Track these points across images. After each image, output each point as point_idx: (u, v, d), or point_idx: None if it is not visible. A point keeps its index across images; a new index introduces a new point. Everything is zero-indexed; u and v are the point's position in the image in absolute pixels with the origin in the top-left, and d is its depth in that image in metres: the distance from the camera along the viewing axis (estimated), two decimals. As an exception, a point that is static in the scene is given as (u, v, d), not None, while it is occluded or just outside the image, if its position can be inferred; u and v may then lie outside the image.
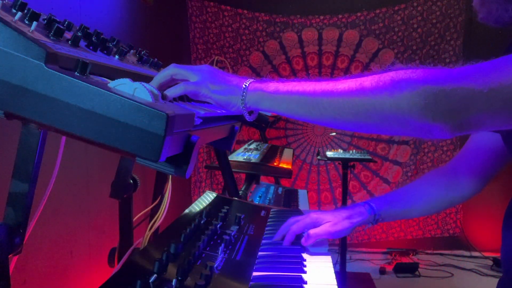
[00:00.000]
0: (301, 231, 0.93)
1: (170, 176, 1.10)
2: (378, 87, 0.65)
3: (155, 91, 0.59)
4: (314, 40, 4.08)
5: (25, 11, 0.55)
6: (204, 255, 0.78)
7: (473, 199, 1.05)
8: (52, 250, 1.63)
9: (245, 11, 4.06)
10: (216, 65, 3.65)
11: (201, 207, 1.08)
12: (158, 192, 1.18)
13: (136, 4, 2.79)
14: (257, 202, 1.53)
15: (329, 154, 3.00)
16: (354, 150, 3.08)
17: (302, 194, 1.84)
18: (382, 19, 3.99)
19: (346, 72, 4.07)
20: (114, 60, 0.75)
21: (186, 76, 0.78)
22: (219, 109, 0.84)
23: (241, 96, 0.76)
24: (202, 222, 0.94)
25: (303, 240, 0.90)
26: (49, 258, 1.62)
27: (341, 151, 3.13)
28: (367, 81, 0.66)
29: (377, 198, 1.01)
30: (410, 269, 3.55)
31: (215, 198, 1.18)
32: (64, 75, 0.49)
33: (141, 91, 0.57)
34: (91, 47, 0.70)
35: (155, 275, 0.64)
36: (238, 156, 2.01)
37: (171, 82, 0.79)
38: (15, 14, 0.54)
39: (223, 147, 1.04)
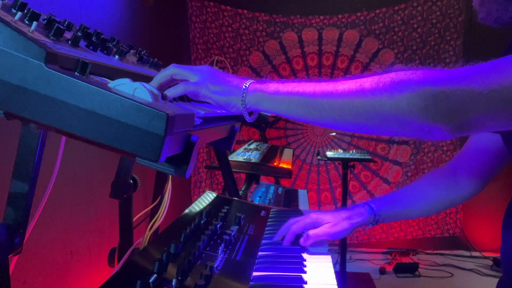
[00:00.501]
0: (301, 231, 0.93)
1: (170, 176, 1.10)
2: (378, 88, 0.65)
3: (155, 91, 0.59)
4: (314, 40, 4.08)
5: (25, 11, 0.55)
6: (204, 255, 0.78)
7: (473, 199, 1.05)
8: (52, 250, 1.63)
9: (245, 11, 4.06)
10: (216, 65, 3.65)
11: (201, 207, 1.08)
12: (158, 192, 1.18)
13: (136, 4, 2.79)
14: (257, 202, 1.53)
15: (329, 154, 3.00)
16: (354, 150, 3.08)
17: (302, 194, 1.84)
18: (382, 19, 3.99)
19: (346, 72, 4.07)
20: (114, 60, 0.76)
21: (186, 76, 0.78)
22: (219, 109, 0.84)
23: (241, 97, 0.76)
24: (202, 222, 0.94)
25: (302, 240, 0.90)
26: (49, 258, 1.62)
27: (341, 151, 3.13)
28: (367, 82, 0.66)
29: (377, 198, 1.01)
30: (410, 269, 3.55)
31: (215, 198, 1.18)
32: (64, 75, 0.49)
33: (141, 91, 0.57)
34: (91, 47, 0.70)
35: (155, 275, 0.64)
36: (238, 156, 2.01)
37: (171, 82, 0.79)
38: (15, 14, 0.54)
39: (223, 147, 1.04)
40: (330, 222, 0.92)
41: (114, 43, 0.83)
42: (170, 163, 0.57)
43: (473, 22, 3.79)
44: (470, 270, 3.66)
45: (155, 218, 1.10)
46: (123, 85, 0.56)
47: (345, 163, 2.91)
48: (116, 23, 2.41)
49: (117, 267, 0.99)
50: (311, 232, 0.90)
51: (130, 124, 0.49)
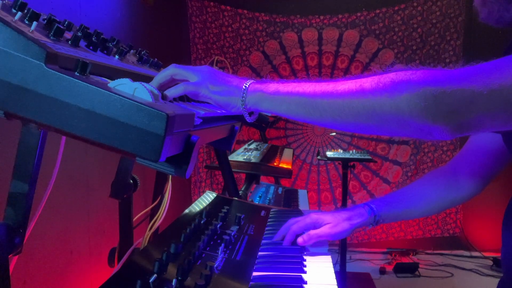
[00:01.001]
0: (301, 231, 0.93)
1: (170, 176, 1.10)
2: (378, 88, 0.65)
3: (155, 91, 0.59)
4: (314, 40, 4.08)
5: (25, 11, 0.55)
6: (204, 255, 0.78)
7: (473, 199, 1.05)
8: (52, 250, 1.63)
9: (245, 11, 4.06)
10: (216, 65, 3.65)
11: (201, 207, 1.08)
12: (158, 192, 1.18)
13: (136, 4, 2.79)
14: (257, 202, 1.53)
15: (329, 154, 3.00)
16: (354, 150, 3.08)
17: (302, 194, 1.84)
18: (382, 19, 3.99)
19: (346, 72, 4.07)
20: (114, 60, 0.75)
21: (186, 77, 0.78)
22: (219, 109, 0.84)
23: (241, 97, 0.76)
24: (202, 222, 0.94)
25: (300, 239, 0.90)
26: (49, 258, 1.62)
27: (341, 151, 3.13)
28: (367, 82, 0.66)
29: (377, 199, 1.01)
30: (410, 269, 3.55)
31: (215, 198, 1.18)
32: (64, 75, 0.49)
33: (141, 91, 0.57)
34: (91, 47, 0.70)
35: (155, 275, 0.64)
36: (238, 156, 2.01)
37: (171, 82, 0.79)
38: (15, 14, 0.54)
39: (223, 147, 1.04)
40: (331, 223, 0.92)
41: (114, 43, 0.83)
42: (170, 163, 0.57)
43: (473, 22, 3.79)
44: (470, 270, 3.66)
45: (155, 218, 1.10)
46: (123, 85, 0.56)
47: (345, 163, 2.91)
48: (116, 23, 2.41)
49: (117, 267, 0.99)
50: (312, 232, 0.90)
51: (130, 124, 0.49)
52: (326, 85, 0.71)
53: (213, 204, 1.13)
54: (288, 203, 1.61)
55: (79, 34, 0.64)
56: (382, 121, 0.66)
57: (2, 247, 0.55)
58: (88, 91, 0.49)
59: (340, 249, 2.91)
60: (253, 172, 1.87)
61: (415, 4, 3.95)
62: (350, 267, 3.41)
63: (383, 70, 0.68)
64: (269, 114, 0.94)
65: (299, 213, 1.20)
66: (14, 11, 0.55)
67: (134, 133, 0.49)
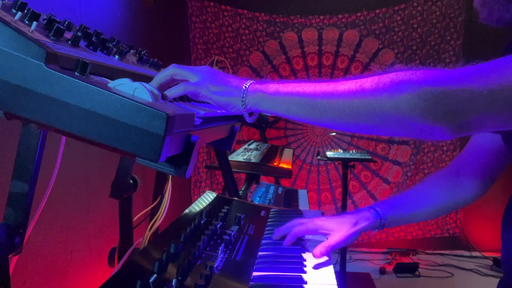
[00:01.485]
0: (302, 236, 0.92)
1: (170, 176, 1.10)
2: (378, 88, 0.65)
3: (155, 91, 0.59)
4: (314, 40, 4.08)
5: (25, 11, 0.55)
6: (204, 255, 0.78)
7: (473, 199, 1.04)
8: (52, 250, 1.63)
9: (245, 11, 4.06)
10: (216, 65, 3.65)
11: (201, 207, 1.08)
12: (158, 192, 1.18)
13: (136, 4, 2.79)
14: (257, 202, 1.53)
15: (329, 154, 3.00)
16: (354, 150, 3.08)
17: (302, 194, 1.84)
18: (382, 19, 3.99)
19: (346, 72, 4.07)
20: (114, 60, 0.75)
21: (186, 77, 0.78)
22: (219, 109, 0.84)
23: (241, 97, 0.76)
24: (202, 222, 0.94)
25: (317, 252, 0.85)
26: (49, 258, 1.62)
27: (341, 151, 3.13)
28: (367, 82, 0.66)
29: (381, 202, 0.99)
30: (410, 269, 3.56)
31: (215, 198, 1.18)
32: (64, 75, 0.49)
33: (141, 91, 0.57)
34: (91, 47, 0.70)
35: (155, 275, 0.64)
36: (238, 156, 2.01)
37: (171, 82, 0.79)
38: (15, 14, 0.54)
39: (223, 147, 1.04)
40: (335, 230, 0.90)
41: (114, 43, 0.83)
42: (170, 163, 0.57)
43: (473, 22, 3.79)
44: (470, 270, 3.66)
45: (155, 218, 1.10)
46: (123, 85, 0.56)
47: (345, 163, 2.91)
48: (116, 23, 2.41)
49: (117, 267, 0.99)
50: (327, 244, 0.87)
51: (130, 124, 0.49)
52: (326, 85, 0.70)
53: (213, 204, 1.13)
54: (288, 203, 1.61)
55: (79, 34, 0.64)
56: (382, 121, 0.66)
57: (2, 247, 0.55)
58: (88, 91, 0.49)
59: (340, 249, 2.91)
60: (253, 172, 1.87)
61: (415, 4, 3.95)
62: (350, 267, 3.41)
63: (383, 70, 0.68)
64: (269, 114, 0.94)
65: (299, 213, 1.20)
66: (14, 11, 0.55)
67: (134, 133, 0.49)
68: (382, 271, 3.58)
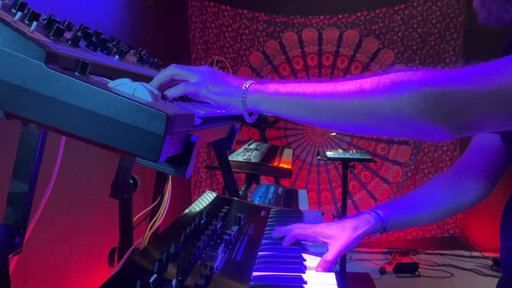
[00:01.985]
0: (302, 239, 0.92)
1: (170, 176, 1.10)
2: (378, 89, 0.65)
3: (155, 91, 0.59)
4: (314, 40, 4.08)
5: (25, 11, 0.55)
6: (204, 255, 0.78)
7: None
8: (52, 250, 1.63)
9: (245, 11, 4.06)
10: (216, 65, 3.65)
11: (201, 207, 1.08)
12: (158, 192, 1.18)
13: (136, 4, 2.79)
14: (257, 202, 1.53)
15: (329, 154, 3.00)
16: (354, 150, 3.08)
17: (302, 194, 1.84)
18: (382, 19, 3.99)
19: (346, 72, 4.07)
20: (114, 60, 0.76)
21: (186, 77, 0.78)
22: (219, 109, 0.84)
23: (241, 97, 0.76)
24: (202, 222, 0.94)
25: (319, 268, 0.82)
26: (49, 258, 1.62)
27: (341, 151, 3.13)
28: (367, 83, 0.66)
29: (383, 205, 0.97)
30: (410, 269, 3.56)
31: (215, 198, 1.18)
32: (64, 75, 0.49)
33: (141, 91, 0.57)
34: (91, 47, 0.70)
35: (155, 275, 0.64)
36: (238, 156, 2.01)
37: (171, 82, 0.79)
38: (15, 14, 0.54)
39: (223, 147, 1.04)
40: (335, 238, 0.88)
41: (114, 43, 0.83)
42: (170, 163, 0.57)
43: (473, 22, 3.79)
44: (470, 270, 3.66)
45: (155, 218, 1.10)
46: (123, 85, 0.56)
47: (345, 163, 2.91)
48: (116, 23, 2.41)
49: (117, 267, 0.99)
50: (330, 256, 0.84)
51: (130, 124, 0.49)
52: (326, 86, 0.70)
53: (213, 204, 1.13)
54: (288, 203, 1.61)
55: (79, 34, 0.64)
56: (382, 122, 0.66)
57: (2, 247, 0.55)
58: (88, 91, 0.49)
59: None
60: (253, 172, 1.87)
61: (415, 4, 3.95)
62: (350, 267, 3.41)
63: (383, 70, 0.68)
64: (269, 114, 0.94)
65: (299, 213, 1.20)
66: (14, 11, 0.55)
67: (134, 133, 0.49)
68: (382, 271, 3.58)
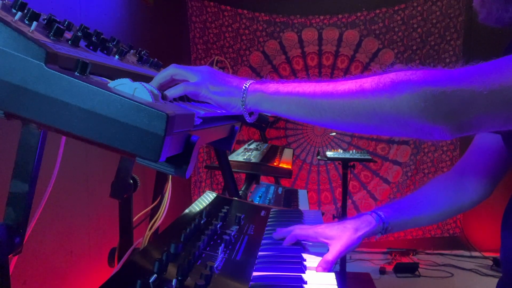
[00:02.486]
0: (302, 239, 0.92)
1: (170, 176, 1.10)
2: (378, 89, 0.65)
3: (155, 91, 0.59)
4: (314, 40, 4.08)
5: (25, 11, 0.55)
6: (204, 255, 0.78)
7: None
8: (52, 250, 1.63)
9: (245, 11, 4.06)
10: (216, 65, 3.65)
11: (201, 207, 1.08)
12: (158, 192, 1.18)
13: (136, 4, 2.79)
14: (257, 202, 1.53)
15: (329, 154, 3.00)
16: (354, 150, 3.08)
17: (302, 194, 1.84)
18: (382, 19, 3.99)
19: (346, 72, 4.07)
20: (114, 60, 0.75)
21: (186, 77, 0.78)
22: (219, 109, 0.84)
23: (241, 97, 0.76)
24: (202, 222, 0.94)
25: (319, 268, 0.82)
26: (49, 258, 1.62)
27: (341, 151, 3.13)
28: (367, 82, 0.66)
29: (384, 206, 0.97)
30: (410, 269, 3.56)
31: (215, 198, 1.18)
32: (64, 75, 0.49)
33: (141, 91, 0.57)
34: (91, 47, 0.70)
35: (155, 275, 0.64)
36: (238, 156, 2.01)
37: (171, 82, 0.79)
38: (15, 14, 0.54)
39: (223, 147, 1.04)
40: (336, 239, 0.88)
41: (114, 43, 0.83)
42: (170, 163, 0.57)
43: (473, 22, 3.79)
44: (470, 270, 3.66)
45: (155, 218, 1.10)
46: (123, 85, 0.56)
47: (345, 163, 2.91)
48: (116, 23, 2.41)
49: (117, 267, 0.99)
50: (330, 256, 0.84)
51: (130, 124, 0.49)
52: (326, 85, 0.70)
53: (213, 204, 1.13)
54: (288, 203, 1.61)
55: (79, 34, 0.64)
56: (382, 121, 0.66)
57: (2, 247, 0.55)
58: (88, 91, 0.49)
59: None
60: (253, 172, 1.87)
61: (415, 4, 3.95)
62: (350, 267, 3.41)
63: (383, 70, 0.68)
64: (269, 114, 0.94)
65: (299, 213, 1.20)
66: (14, 11, 0.55)
67: (134, 133, 0.49)
68: (382, 271, 3.58)
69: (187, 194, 4.01)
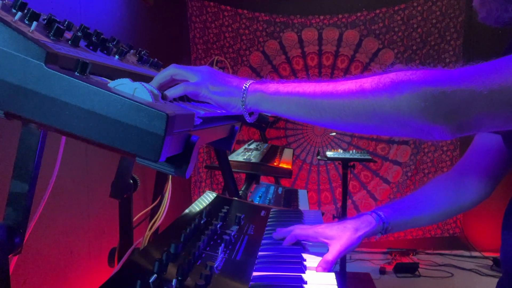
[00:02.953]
0: (302, 239, 0.92)
1: (170, 176, 1.10)
2: (378, 88, 0.65)
3: (155, 91, 0.59)
4: (314, 40, 4.08)
5: (25, 11, 0.55)
6: (204, 255, 0.78)
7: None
8: (52, 250, 1.63)
9: (245, 11, 4.06)
10: (216, 65, 3.65)
11: (201, 207, 1.08)
12: (158, 192, 1.18)
13: (136, 4, 2.79)
14: (257, 202, 1.53)
15: (329, 154, 3.00)
16: (354, 150, 3.08)
17: (302, 194, 1.84)
18: (382, 19, 3.99)
19: (346, 72, 4.07)
20: (114, 60, 0.75)
21: (186, 77, 0.78)
22: (219, 109, 0.84)
23: (241, 97, 0.76)
24: (202, 222, 0.94)
25: (319, 268, 0.82)
26: (49, 258, 1.62)
27: (341, 151, 3.13)
28: (367, 82, 0.66)
29: (384, 206, 0.96)
30: (410, 269, 3.56)
31: (215, 198, 1.18)
32: (64, 75, 0.49)
33: (141, 91, 0.57)
34: (91, 47, 0.70)
35: (155, 275, 0.64)
36: (238, 156, 2.01)
37: (171, 82, 0.79)
38: (15, 14, 0.54)
39: (223, 147, 1.04)
40: (336, 239, 0.88)
41: (114, 43, 0.83)
42: (170, 163, 0.57)
43: (473, 22, 3.79)
44: (470, 270, 3.66)
45: (155, 218, 1.10)
46: (123, 85, 0.56)
47: (345, 163, 2.91)
48: (116, 23, 2.41)
49: (117, 267, 0.99)
50: (330, 256, 0.84)
51: (130, 124, 0.49)
52: (326, 85, 0.70)
53: (213, 204, 1.13)
54: (288, 203, 1.61)
55: (79, 34, 0.64)
56: (382, 121, 0.66)
57: (2, 247, 0.55)
58: (88, 91, 0.49)
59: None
60: (253, 172, 1.87)
61: (415, 4, 3.95)
62: (350, 267, 3.42)
63: (383, 70, 0.68)
64: (269, 114, 0.94)
65: (299, 213, 1.20)
66: (14, 11, 0.55)
67: (134, 133, 0.49)
68: (382, 271, 3.58)
69: (187, 194, 4.01)
